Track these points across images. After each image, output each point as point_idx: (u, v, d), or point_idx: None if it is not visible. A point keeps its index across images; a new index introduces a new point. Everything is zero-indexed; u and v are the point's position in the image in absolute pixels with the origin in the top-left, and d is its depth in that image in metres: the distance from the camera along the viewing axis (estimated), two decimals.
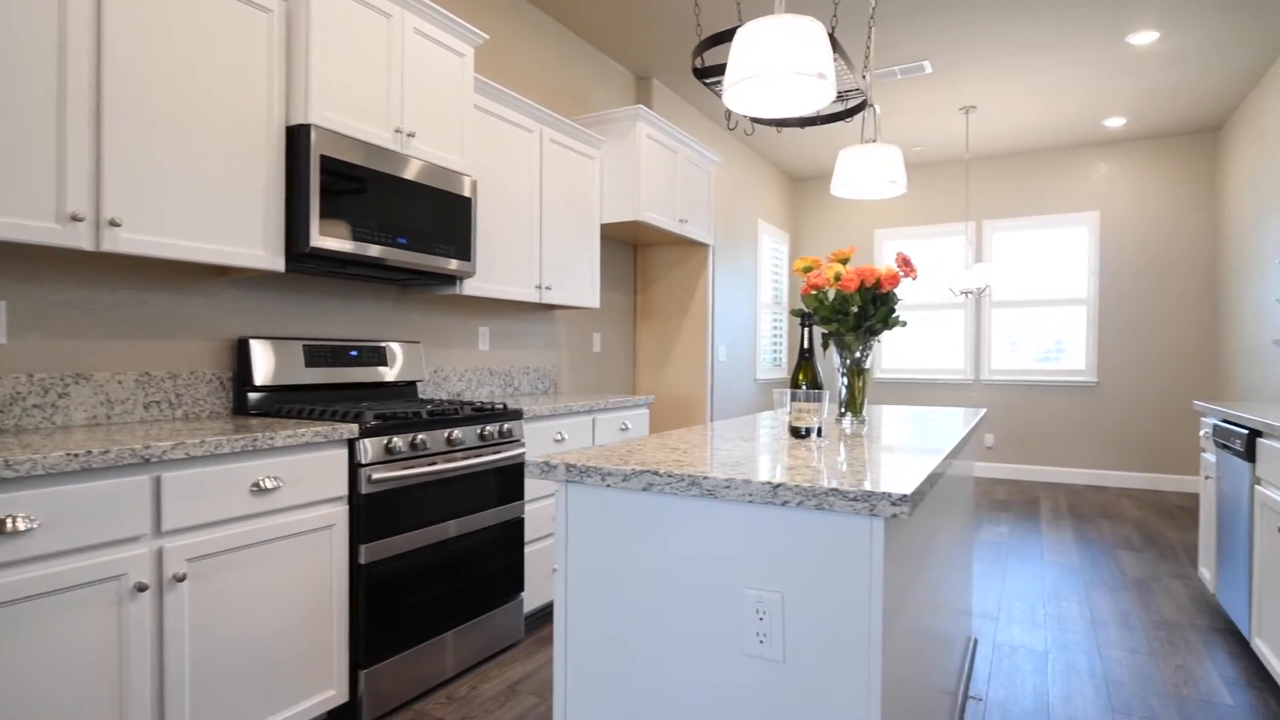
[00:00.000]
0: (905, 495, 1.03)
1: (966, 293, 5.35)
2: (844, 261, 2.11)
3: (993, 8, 3.79)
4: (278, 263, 2.15)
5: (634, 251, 4.71)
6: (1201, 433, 3.21)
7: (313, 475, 1.95)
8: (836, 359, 2.15)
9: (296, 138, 2.17)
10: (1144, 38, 4.08)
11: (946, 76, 4.70)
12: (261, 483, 1.82)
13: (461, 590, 2.42)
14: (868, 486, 1.07)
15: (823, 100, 1.61)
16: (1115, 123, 5.56)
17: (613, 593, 1.29)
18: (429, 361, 3.12)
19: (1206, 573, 3.15)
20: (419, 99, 2.54)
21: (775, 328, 7.16)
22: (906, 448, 1.61)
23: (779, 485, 1.11)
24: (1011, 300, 6.51)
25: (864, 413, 2.15)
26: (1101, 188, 6.16)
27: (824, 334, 2.16)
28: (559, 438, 2.92)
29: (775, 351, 7.15)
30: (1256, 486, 2.47)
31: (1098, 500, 5.51)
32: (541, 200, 3.28)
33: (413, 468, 2.20)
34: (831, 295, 2.08)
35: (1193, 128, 5.71)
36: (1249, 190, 4.90)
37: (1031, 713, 2.27)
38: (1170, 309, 5.93)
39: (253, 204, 2.09)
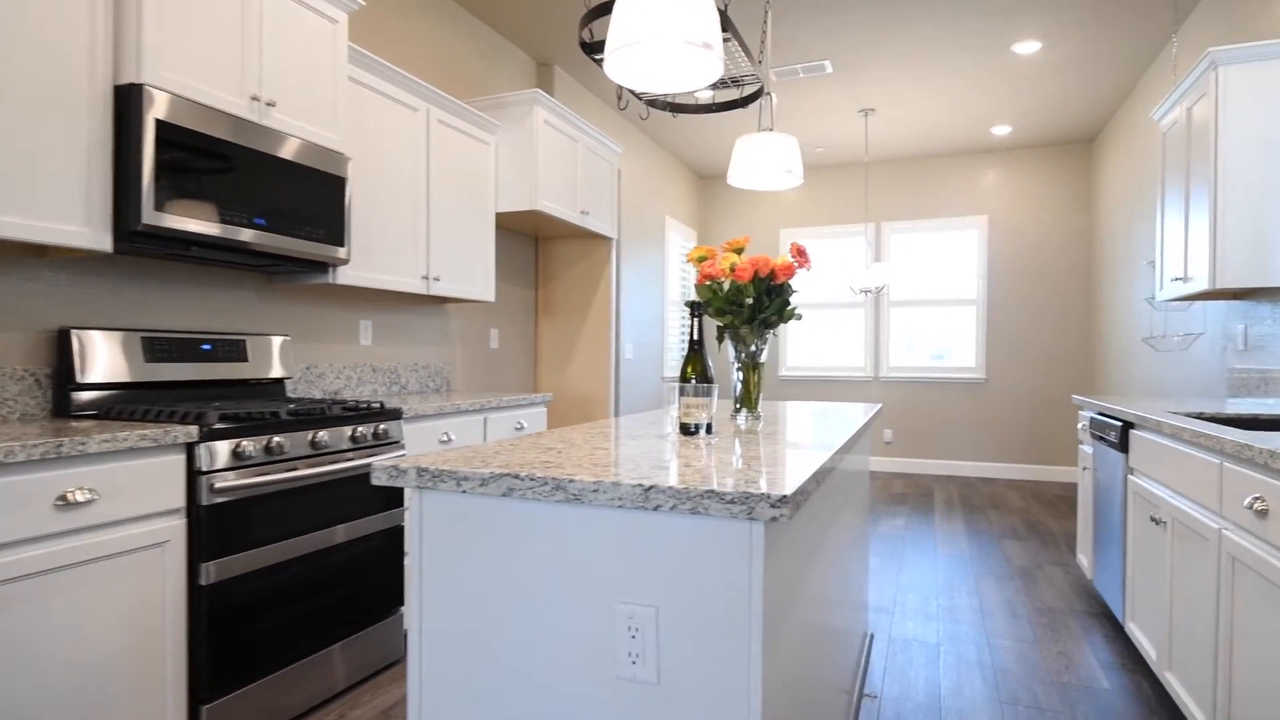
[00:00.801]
0: (785, 497, 0.93)
1: (866, 291, 5.46)
2: (739, 251, 2.03)
3: (887, 9, 3.84)
4: (103, 241, 1.87)
5: (535, 244, 4.54)
6: (1079, 425, 3.35)
7: (138, 486, 1.69)
8: (731, 353, 2.06)
9: (127, 99, 1.89)
10: (1028, 47, 4.26)
11: (847, 78, 4.77)
12: (71, 495, 1.55)
13: (330, 608, 2.19)
14: (752, 487, 0.97)
15: (710, 75, 1.51)
16: (1002, 131, 5.82)
17: (473, 613, 1.14)
18: (301, 357, 2.85)
19: (1084, 560, 3.28)
20: (281, 65, 2.29)
21: (684, 325, 7.13)
22: (798, 444, 1.53)
23: (650, 488, 0.99)
24: (908, 300, 6.72)
25: (759, 408, 2.08)
26: (990, 193, 6.45)
27: (719, 327, 2.07)
28: (445, 439, 2.73)
29: (684, 349, 7.13)
30: (1130, 476, 2.56)
31: (987, 491, 5.75)
32: (429, 185, 3.06)
33: (268, 474, 1.96)
34: (726, 286, 2.00)
35: (1070, 138, 6.05)
36: (1119, 198, 5.23)
37: (924, 708, 2.26)
38: (1051, 309, 6.27)
39: (72, 173, 1.80)
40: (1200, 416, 2.46)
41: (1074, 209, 6.20)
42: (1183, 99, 3.02)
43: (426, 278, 3.04)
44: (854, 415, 2.23)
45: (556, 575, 1.08)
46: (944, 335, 6.65)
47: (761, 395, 2.10)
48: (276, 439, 1.99)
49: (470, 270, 3.34)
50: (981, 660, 2.60)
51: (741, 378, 2.05)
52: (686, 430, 1.60)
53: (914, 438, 6.68)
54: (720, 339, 2.08)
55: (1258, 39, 3.04)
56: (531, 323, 4.51)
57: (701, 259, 2.04)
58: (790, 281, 2.01)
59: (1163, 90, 4.26)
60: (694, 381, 1.60)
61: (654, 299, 6.19)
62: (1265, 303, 2.99)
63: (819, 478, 1.18)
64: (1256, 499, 1.55)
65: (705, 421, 1.59)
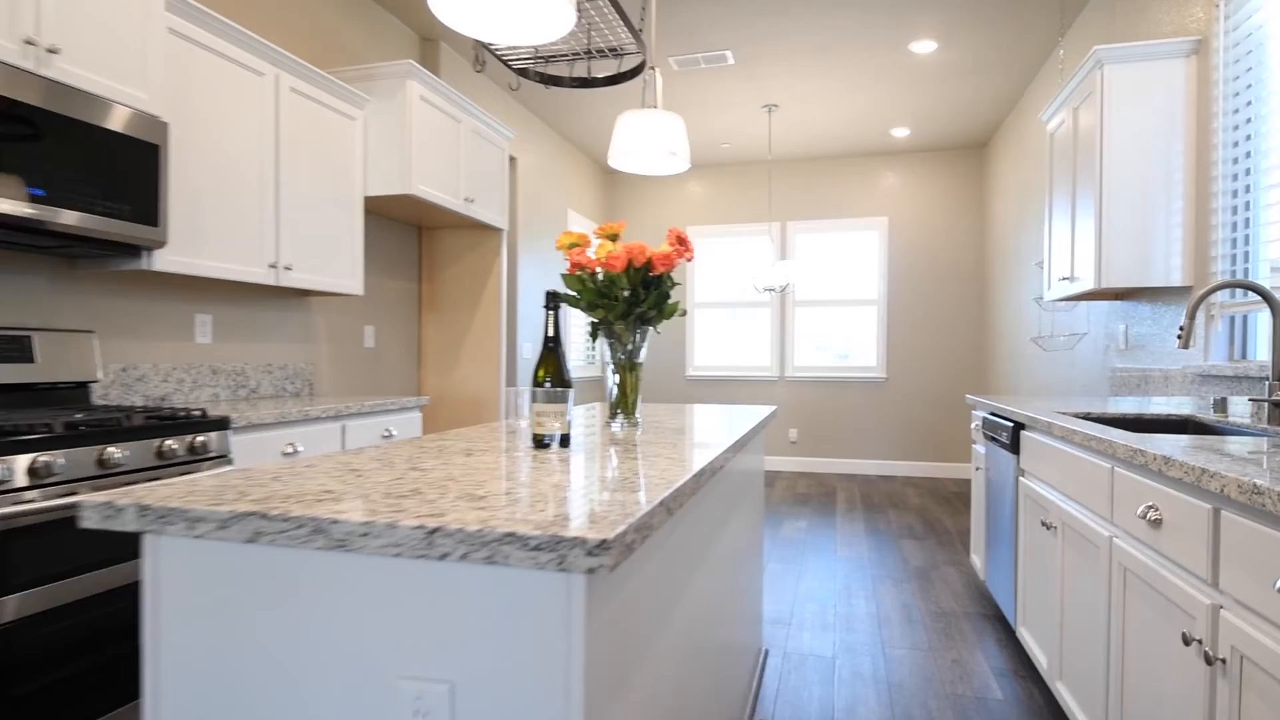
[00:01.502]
0: (606, 542, 0.71)
1: (770, 290, 5.38)
2: (614, 238, 1.81)
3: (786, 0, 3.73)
4: None
5: (419, 234, 4.19)
6: (973, 425, 3.33)
7: None
8: (607, 352, 1.84)
9: None
10: (925, 46, 4.25)
11: (749, 70, 4.66)
12: None
13: (100, 670, 1.83)
14: (568, 526, 0.74)
15: (560, 25, 1.28)
16: (901, 133, 5.88)
17: (218, 699, 0.86)
18: (115, 356, 2.43)
19: (978, 560, 3.26)
20: (68, 6, 1.90)
21: (591, 323, 6.89)
22: (671, 456, 1.32)
23: (435, 531, 0.75)
24: (812, 300, 6.73)
25: (638, 413, 1.87)
26: (890, 195, 6.53)
27: (592, 324, 1.84)
28: (291, 450, 2.38)
29: (589, 347, 6.89)
30: (1021, 479, 2.51)
31: (887, 490, 5.79)
32: (279, 161, 2.70)
33: (30, 502, 1.59)
34: (600, 277, 1.77)
35: (965, 143, 6.19)
36: (1010, 202, 5.35)
37: None
38: (947, 310, 6.41)
39: None
40: (1087, 417, 2.42)
41: (968, 212, 6.35)
42: (1069, 100, 3.02)
43: (275, 266, 2.68)
44: (743, 420, 2.05)
45: (324, 646, 0.82)
46: (848, 335, 6.69)
47: (641, 399, 1.88)
48: (44, 457, 1.62)
49: (332, 260, 2.99)
50: (877, 674, 2.48)
51: (617, 380, 1.84)
52: (539, 443, 1.36)
53: (819, 437, 6.69)
54: (594, 336, 1.85)
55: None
56: (415, 319, 4.16)
57: (572, 245, 1.81)
58: (672, 273, 1.80)
59: (1050, 95, 4.35)
60: (547, 385, 1.36)
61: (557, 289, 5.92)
62: (1145, 303, 3.03)
63: (672, 504, 0.97)
64: (1150, 508, 1.45)
65: (559, 432, 1.36)
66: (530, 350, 5.47)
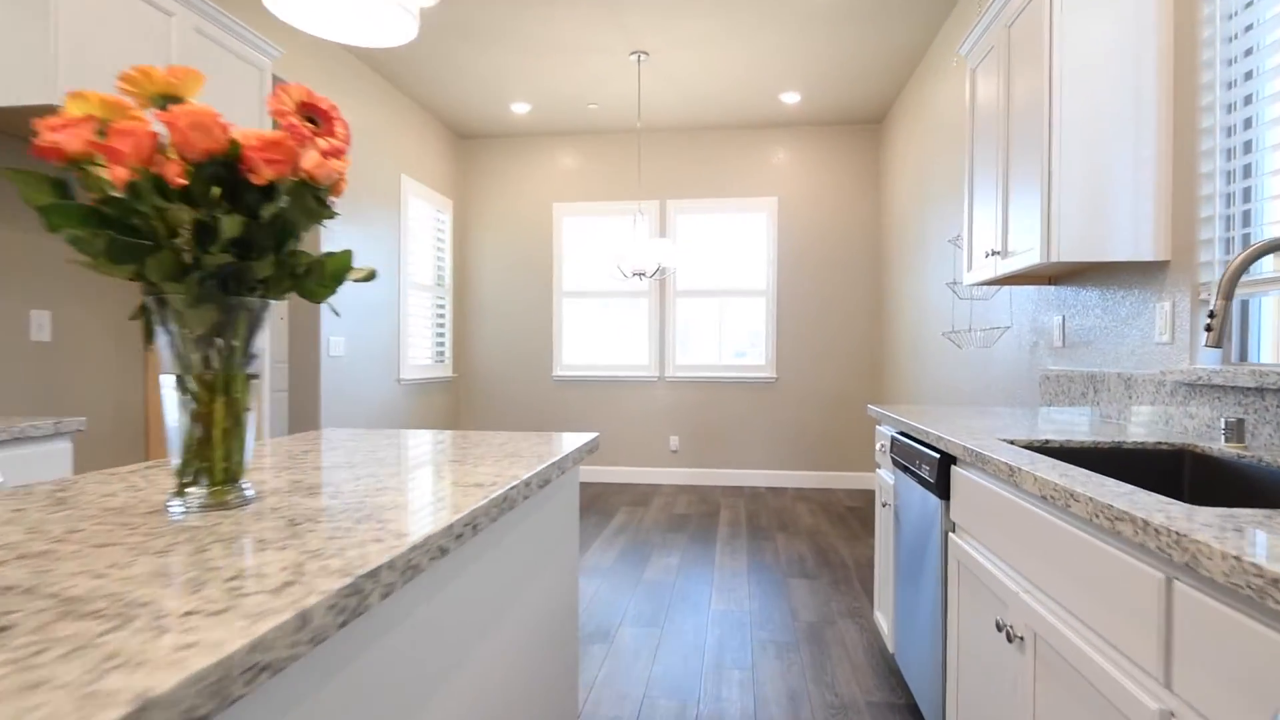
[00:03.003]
0: None
1: (640, 275, 4.51)
2: (171, 99, 0.84)
3: None
4: None
5: None
6: (878, 445, 2.56)
7: None
8: (165, 354, 0.87)
9: None
10: None
11: (612, 4, 3.75)
12: None
13: None
14: None
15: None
16: (791, 98, 5.16)
17: None
18: None
19: (883, 621, 2.49)
20: None
21: (439, 313, 5.82)
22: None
23: None
24: (694, 289, 5.93)
25: (244, 474, 0.91)
26: (780, 173, 5.82)
27: (146, 304, 0.86)
28: None
29: (438, 343, 5.81)
30: (951, 536, 1.72)
31: (776, 506, 5.07)
32: None
33: None
34: (109, 180, 0.79)
35: (860, 117, 5.56)
36: (909, 179, 4.72)
37: None
38: (843, 301, 5.77)
39: None
40: (1045, 448, 1.66)
41: (864, 194, 5.74)
42: (1002, 15, 2.29)
43: None
44: (483, 478, 1.13)
45: None
46: (737, 330, 5.94)
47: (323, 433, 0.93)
48: None
49: None
50: None
51: (193, 407, 0.87)
52: None
53: (703, 445, 5.91)
54: (141, 319, 0.88)
55: None
56: (134, 302, 2.99)
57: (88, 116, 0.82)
58: (293, 178, 0.85)
59: (952, 54, 3.69)
60: None
61: (386, 278, 4.83)
62: (1092, 287, 2.34)
63: None
64: None
65: None
66: (343, 346, 4.36)
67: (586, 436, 1.63)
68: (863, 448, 5.75)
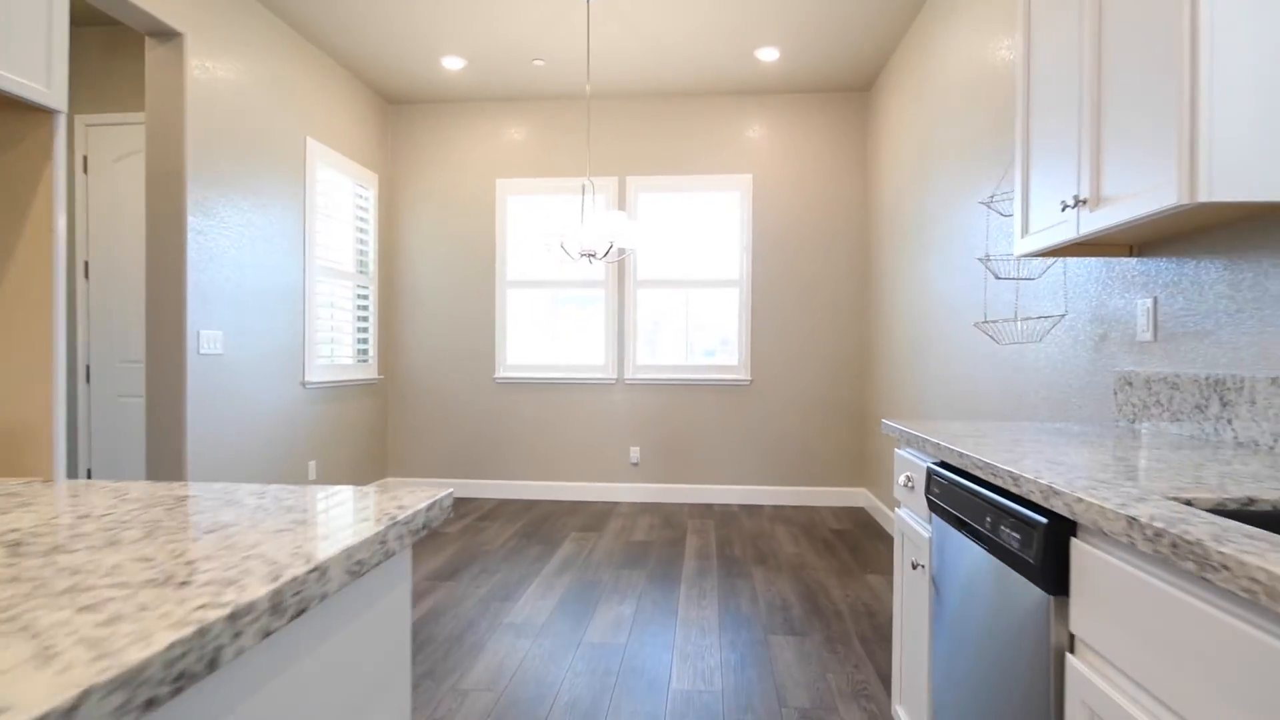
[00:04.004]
0: None
1: (590, 256, 3.75)
2: None
3: None
4: None
5: None
6: (902, 479, 1.83)
7: None
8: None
9: None
10: None
11: None
12: None
13: None
14: None
15: None
16: (768, 55, 4.44)
17: None
18: None
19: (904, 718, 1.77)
20: None
21: (360, 304, 4.98)
22: None
23: None
24: (657, 279, 5.18)
25: None
26: (756, 147, 5.10)
27: None
28: None
29: (360, 339, 4.98)
30: (1072, 659, 0.99)
31: (752, 530, 4.34)
32: None
33: None
34: None
35: (846, 84, 4.87)
36: (909, 151, 4.03)
37: None
38: (827, 292, 5.07)
39: None
40: (1253, 515, 0.93)
41: (850, 170, 5.04)
42: None
43: None
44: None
45: None
46: (714, 326, 5.20)
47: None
48: None
49: None
50: None
51: None
52: None
53: (667, 457, 5.17)
54: None
55: None
56: None
57: None
58: None
59: (941, 26, 3.00)
60: None
61: (288, 262, 3.99)
62: (1210, 256, 1.64)
63: None
64: None
65: None
66: (221, 344, 3.52)
67: (428, 496, 0.86)
68: (848, 460, 5.06)
